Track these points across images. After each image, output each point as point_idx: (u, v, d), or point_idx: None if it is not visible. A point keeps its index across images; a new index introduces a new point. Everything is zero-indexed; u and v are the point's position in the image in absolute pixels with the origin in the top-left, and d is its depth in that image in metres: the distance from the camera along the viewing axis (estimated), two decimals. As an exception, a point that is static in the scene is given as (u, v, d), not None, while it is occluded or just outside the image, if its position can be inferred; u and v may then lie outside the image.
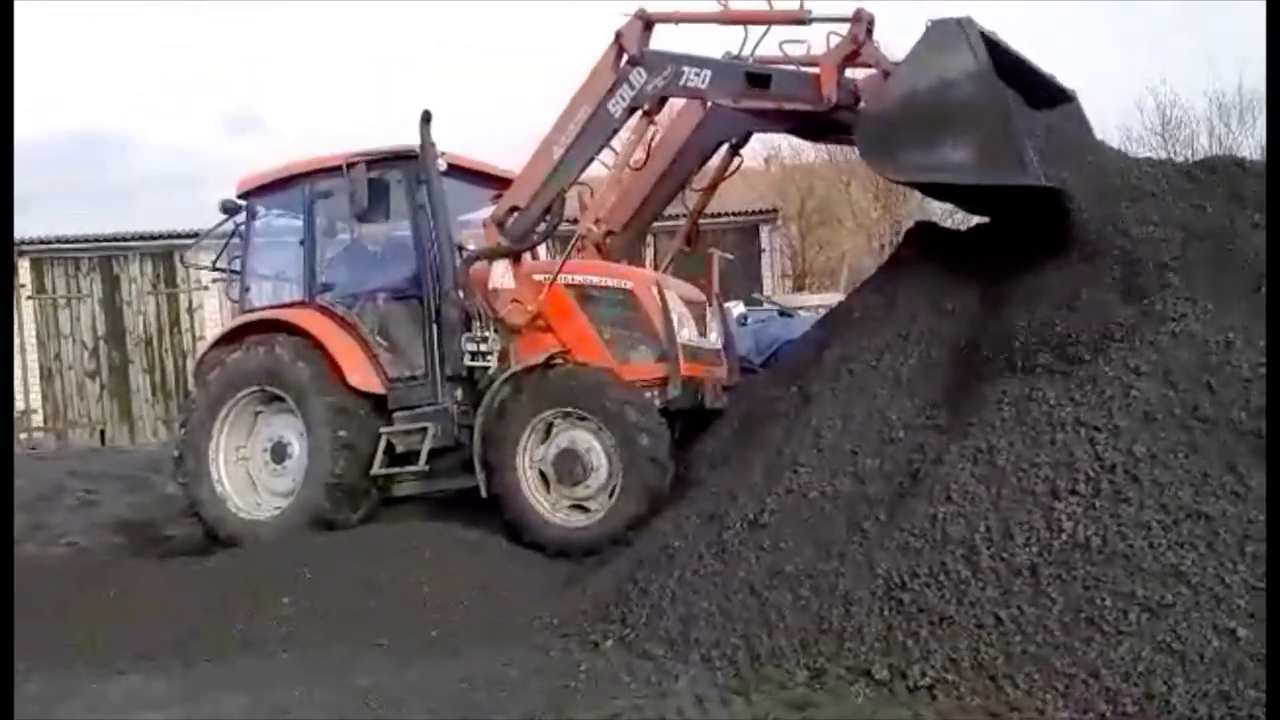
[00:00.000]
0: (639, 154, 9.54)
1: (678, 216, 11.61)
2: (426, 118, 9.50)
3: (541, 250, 10.54)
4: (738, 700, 5.64)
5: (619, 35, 9.09)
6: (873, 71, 8.49)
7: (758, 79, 8.82)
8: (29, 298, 23.67)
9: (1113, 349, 6.53)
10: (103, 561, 10.16)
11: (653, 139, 9.47)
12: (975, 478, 6.15)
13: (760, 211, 27.41)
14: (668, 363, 9.29)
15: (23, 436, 22.88)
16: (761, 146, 42.58)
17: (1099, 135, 8.87)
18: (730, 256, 21.77)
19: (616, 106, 9.13)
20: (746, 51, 9.06)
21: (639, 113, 9.30)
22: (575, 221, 10.34)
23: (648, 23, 9.08)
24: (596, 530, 8.77)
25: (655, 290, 9.47)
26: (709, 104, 10.01)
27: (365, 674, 6.68)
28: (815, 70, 8.59)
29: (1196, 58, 54.60)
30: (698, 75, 8.98)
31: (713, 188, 10.83)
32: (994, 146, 7.60)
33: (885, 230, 33.88)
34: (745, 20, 8.98)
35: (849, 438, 7.01)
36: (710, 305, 10.20)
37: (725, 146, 10.43)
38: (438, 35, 69.17)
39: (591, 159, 9.34)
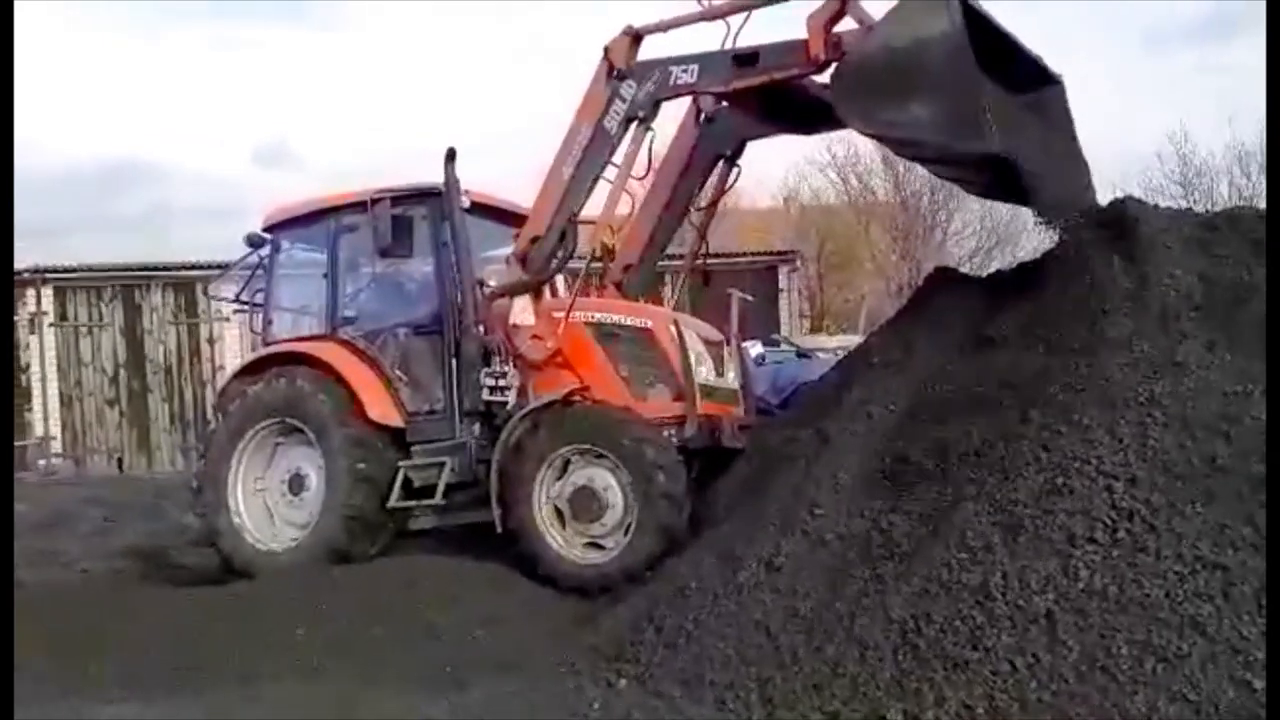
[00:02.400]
0: (641, 162, 9.60)
1: (669, 257, 11.73)
2: (451, 155, 9.62)
3: (562, 288, 10.60)
4: (750, 740, 5.63)
5: (607, 51, 9.28)
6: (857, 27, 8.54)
7: (745, 58, 8.91)
8: (51, 325, 23.82)
9: (1131, 398, 6.53)
10: (113, 589, 10.18)
11: (652, 144, 9.55)
12: (992, 524, 6.14)
13: (778, 253, 27.54)
14: (685, 401, 9.32)
15: (41, 463, 22.97)
16: (780, 188, 42.84)
17: (1118, 188, 8.93)
18: (749, 297, 21.79)
19: (612, 121, 9.30)
20: (730, 45, 9.08)
21: (636, 123, 9.36)
22: (594, 259, 10.41)
23: (636, 37, 9.27)
24: (611, 567, 8.77)
25: (673, 329, 9.52)
26: (702, 119, 10.18)
27: (375, 706, 6.67)
28: (802, 38, 8.63)
29: (1216, 108, 54.57)
30: (685, 72, 9.13)
31: (714, 204, 11.04)
32: (957, 111, 7.76)
33: (904, 273, 33.93)
34: (728, 11, 9.06)
35: (865, 481, 7.01)
36: (728, 345, 10.23)
37: (722, 161, 10.61)
38: (470, 67, 69.64)
39: (599, 176, 9.43)
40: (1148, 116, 59.79)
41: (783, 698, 5.88)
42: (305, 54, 72.12)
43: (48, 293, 23.86)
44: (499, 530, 9.12)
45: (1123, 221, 7.68)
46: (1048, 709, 5.31)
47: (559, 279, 10.51)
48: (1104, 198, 8.19)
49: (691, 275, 11.87)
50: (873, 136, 8.41)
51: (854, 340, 13.70)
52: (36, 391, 23.63)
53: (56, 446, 23.50)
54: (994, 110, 7.81)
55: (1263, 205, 12.01)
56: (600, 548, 8.98)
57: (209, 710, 6.81)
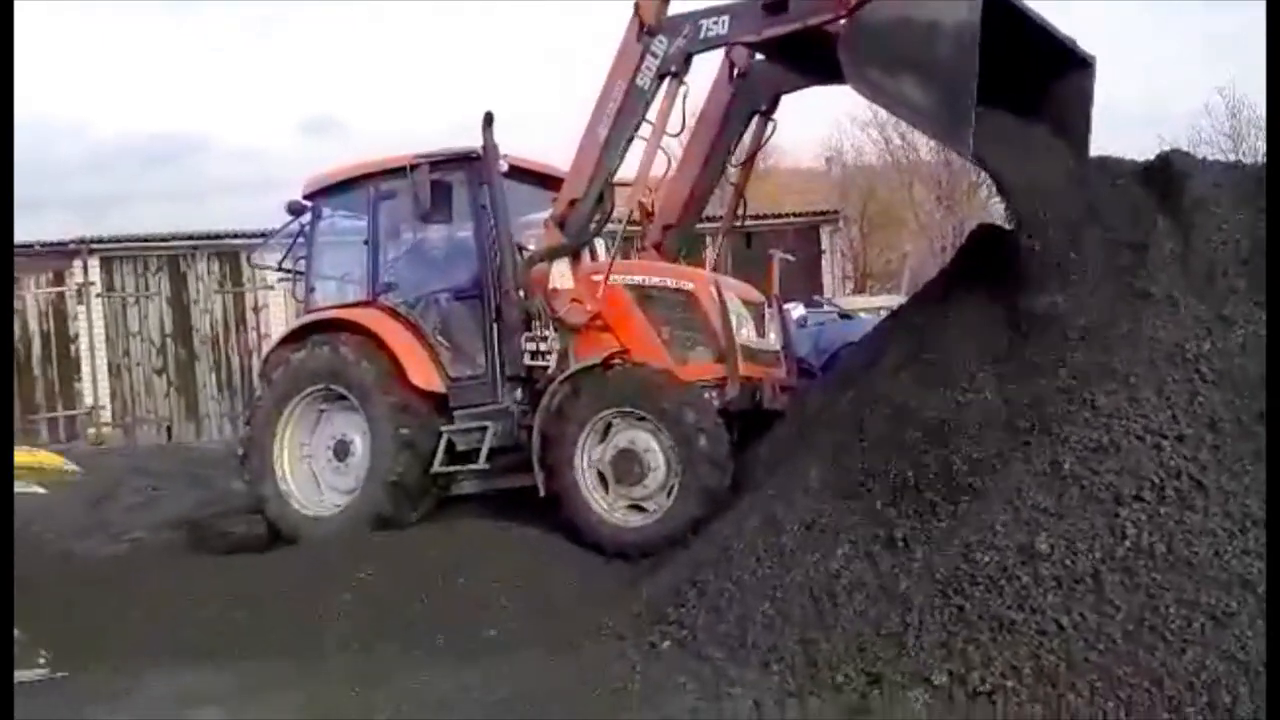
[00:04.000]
0: (675, 118, 9.52)
1: (710, 219, 11.64)
2: (489, 120, 9.60)
3: (602, 251, 10.58)
4: (794, 704, 5.62)
5: (637, 8, 9.21)
6: None
7: (776, 6, 8.74)
8: (98, 295, 24.00)
9: (1178, 355, 6.44)
10: (162, 557, 10.27)
11: (686, 99, 9.49)
12: (1038, 484, 6.08)
13: (821, 213, 27.31)
14: (726, 363, 9.29)
15: (90, 432, 23.22)
16: (822, 148, 42.56)
17: (1166, 140, 8.79)
18: (791, 258, 21.69)
19: (645, 78, 9.22)
20: None
21: (669, 79, 9.26)
22: (634, 223, 10.38)
23: None
24: (653, 530, 8.78)
25: (714, 291, 9.49)
26: (735, 74, 10.21)
27: (420, 674, 6.73)
28: None
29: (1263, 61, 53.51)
30: (716, 23, 9.04)
31: (751, 160, 11.06)
32: (946, 105, 7.68)
33: (948, 232, 33.66)
34: None
35: (910, 442, 6.96)
36: (769, 306, 10.18)
37: (757, 117, 10.55)
38: (516, 36, 69.47)
39: (634, 135, 9.37)
40: (1199, 70, 58.92)
41: (826, 660, 5.89)
42: (353, 24, 72.11)
43: (94, 264, 24.01)
44: (542, 494, 9.13)
45: (1169, 176, 7.56)
46: (1095, 669, 5.28)
47: (599, 242, 10.49)
48: (1151, 151, 8.04)
49: (730, 236, 11.81)
50: (861, 93, 8.32)
51: (897, 300, 13.58)
52: (85, 361, 23.84)
53: (106, 416, 23.73)
54: (985, 118, 7.71)
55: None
56: (642, 510, 8.99)
57: (259, 679, 6.91)
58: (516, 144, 9.94)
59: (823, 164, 42.51)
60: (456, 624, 7.54)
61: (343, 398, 10.02)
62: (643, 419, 8.94)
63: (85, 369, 23.87)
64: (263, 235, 14.26)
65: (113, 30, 74.51)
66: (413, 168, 9.76)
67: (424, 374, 9.85)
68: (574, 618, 7.39)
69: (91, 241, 23.95)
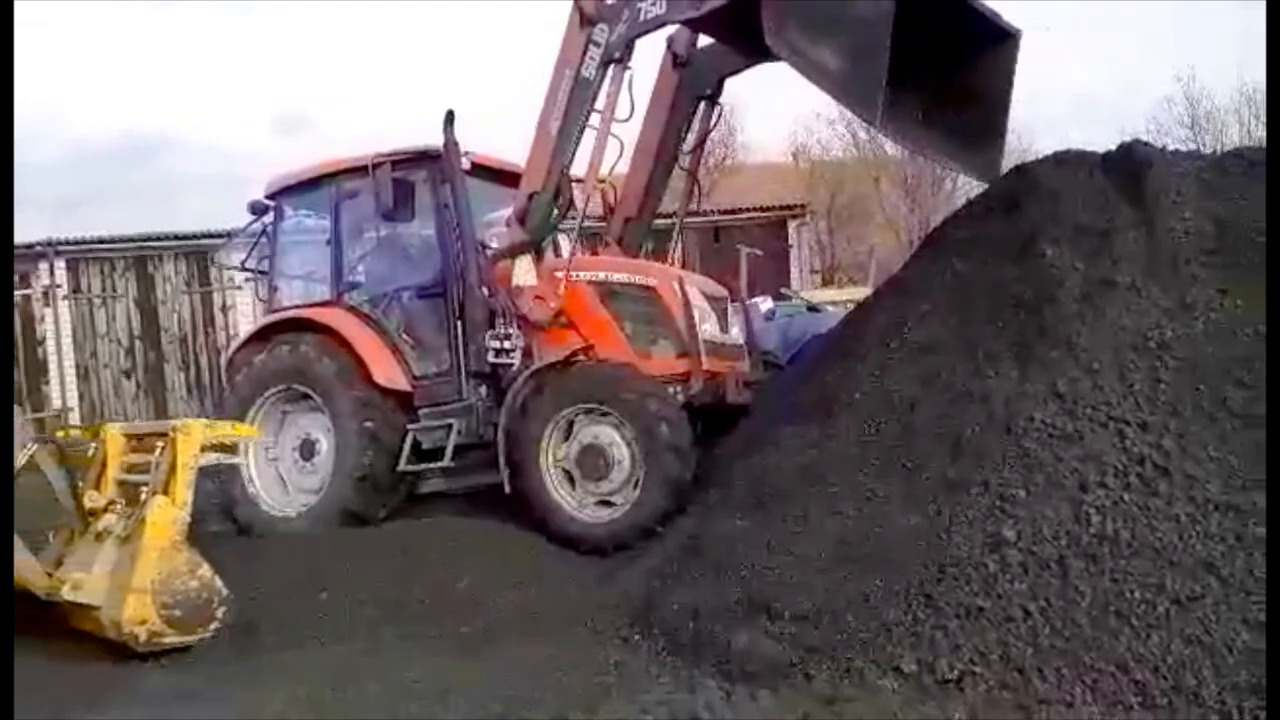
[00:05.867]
0: (623, 104, 9.58)
1: (694, 213, 11.69)
2: (449, 118, 9.65)
3: (565, 247, 10.61)
4: (766, 694, 5.65)
5: None
6: None
7: None
8: (65, 297, 23.83)
9: (1141, 342, 6.50)
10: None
11: (632, 85, 9.56)
12: (1002, 471, 6.13)
13: (788, 207, 27.34)
14: (690, 359, 9.34)
15: (59, 435, 23.04)
16: (789, 143, 42.59)
17: (1126, 132, 8.91)
18: (759, 252, 21.79)
19: (590, 67, 9.34)
20: None
21: (613, 65, 9.36)
22: (598, 219, 10.43)
23: None
24: (622, 524, 8.84)
25: (677, 286, 9.55)
26: (677, 64, 10.37)
27: (398, 668, 6.73)
28: None
29: (1226, 49, 54.06)
30: (654, 5, 9.14)
31: (701, 146, 11.17)
32: (859, 76, 7.83)
33: (914, 225, 33.76)
34: None
35: (878, 434, 7.00)
36: (732, 301, 10.23)
37: (703, 103, 10.69)
38: (489, 31, 69.28)
39: (584, 125, 9.45)
40: (1157, 59, 59.28)
41: (796, 650, 5.89)
42: (323, 21, 71.83)
43: (60, 265, 23.83)
44: (506, 490, 9.16)
45: (1131, 165, 7.62)
46: (1061, 655, 5.33)
47: (565, 239, 10.52)
48: (1112, 141, 8.11)
49: (691, 225, 11.85)
50: (779, 54, 8.40)
51: (864, 293, 13.62)
52: (53, 364, 23.66)
53: (74, 418, 23.57)
54: (895, 102, 7.88)
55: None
56: (611, 505, 9.01)
57: (254, 672, 6.95)
58: (493, 139, 9.98)
59: (790, 159, 42.58)
60: (434, 618, 7.57)
61: (307, 397, 10.02)
62: (605, 414, 8.98)
63: (53, 371, 23.71)
64: (229, 235, 14.23)
65: (81, 27, 73.98)
66: (374, 166, 9.78)
67: (388, 372, 9.87)
68: (552, 612, 7.42)
69: (58, 243, 23.76)
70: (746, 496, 7.08)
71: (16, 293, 23.56)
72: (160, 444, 7.67)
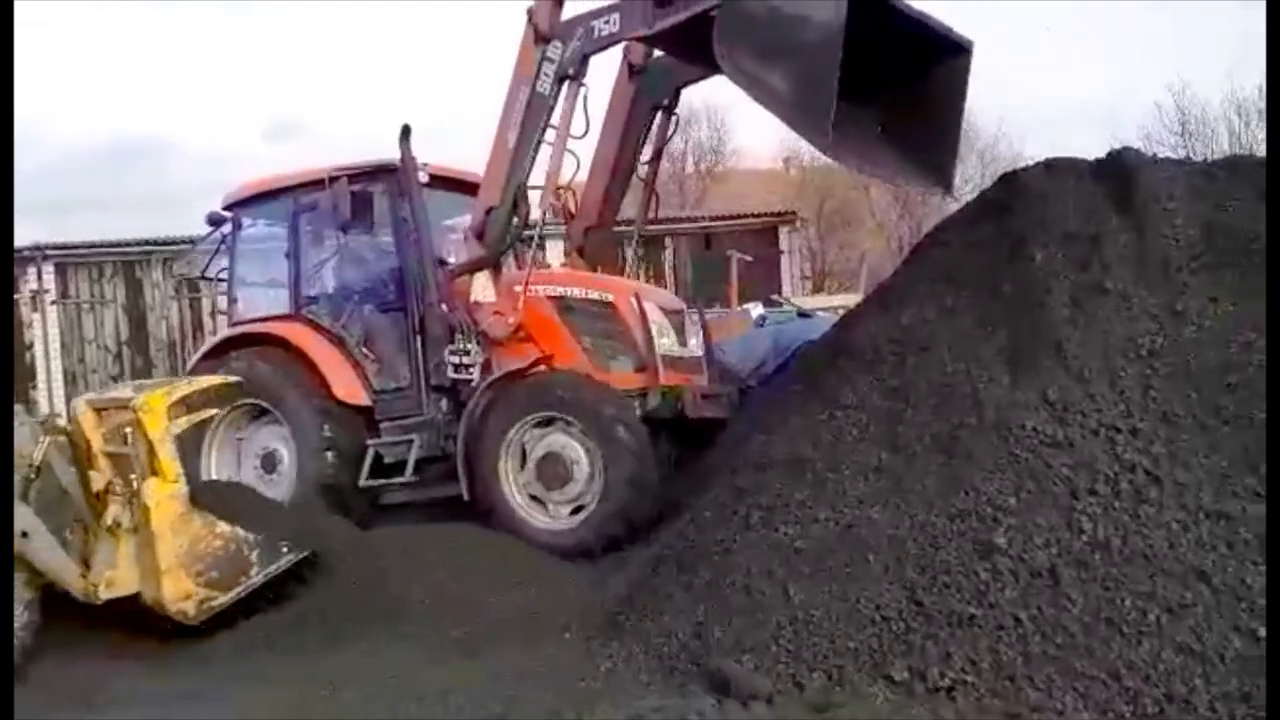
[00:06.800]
0: (579, 121, 9.65)
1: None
2: (406, 133, 9.71)
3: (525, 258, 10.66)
4: (756, 703, 5.62)
5: (530, 14, 9.35)
6: None
7: None
8: (53, 303, 23.79)
9: (1132, 349, 6.49)
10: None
11: (587, 101, 9.64)
12: (991, 480, 6.12)
13: (779, 213, 27.39)
14: (647, 373, 9.39)
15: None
16: (780, 149, 42.67)
17: (1118, 138, 8.95)
18: (749, 258, 21.79)
19: (545, 84, 9.37)
20: None
21: (568, 82, 9.41)
22: (559, 222, 10.51)
23: None
24: (585, 530, 8.91)
25: (634, 301, 9.64)
26: (633, 74, 10.35)
27: (397, 669, 6.72)
28: None
29: (1215, 58, 54.30)
30: (607, 23, 9.20)
31: (658, 156, 11.08)
32: (809, 102, 7.93)
33: (905, 232, 33.86)
34: None
35: (870, 437, 6.98)
36: (690, 313, 10.34)
37: (660, 112, 10.66)
38: (486, 38, 69.16)
39: (540, 140, 9.48)
40: (1147, 66, 59.50)
41: (787, 658, 5.87)
42: (319, 25, 71.82)
43: (49, 270, 23.82)
44: (465, 498, 9.24)
45: (1121, 172, 7.62)
46: (1052, 663, 5.32)
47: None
48: (1101, 149, 8.12)
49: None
50: (733, 79, 8.47)
51: (855, 299, 13.64)
52: (41, 369, 23.64)
53: (61, 424, 23.52)
54: (845, 121, 7.97)
55: (1262, 153, 11.92)
56: (577, 511, 9.07)
57: (254, 673, 6.96)
58: (482, 146, 9.94)
59: (780, 165, 42.65)
60: (425, 622, 7.54)
61: (267, 411, 10.02)
62: (559, 419, 9.06)
63: (41, 377, 23.66)
64: (190, 243, 14.22)
65: (75, 30, 73.90)
66: (332, 180, 9.79)
67: (348, 387, 9.92)
68: (543, 616, 7.40)
69: (46, 248, 23.73)
70: (733, 503, 7.04)
71: (5, 298, 23.54)
72: (128, 428, 7.68)
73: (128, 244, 24.45)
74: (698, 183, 43.28)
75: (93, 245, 24.37)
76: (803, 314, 16.48)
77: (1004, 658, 5.40)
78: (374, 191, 9.99)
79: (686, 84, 10.52)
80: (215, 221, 11.02)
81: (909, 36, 8.54)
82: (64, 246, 24.11)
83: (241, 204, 10.91)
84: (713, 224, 26.16)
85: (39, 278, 23.69)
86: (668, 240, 25.43)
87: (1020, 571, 5.67)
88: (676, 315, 10.11)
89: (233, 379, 8.97)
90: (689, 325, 10.21)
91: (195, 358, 11.15)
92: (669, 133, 10.99)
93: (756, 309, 16.87)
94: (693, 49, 9.30)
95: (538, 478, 9.08)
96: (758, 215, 27.16)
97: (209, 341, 11.59)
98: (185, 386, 8.21)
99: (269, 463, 10.10)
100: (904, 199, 36.63)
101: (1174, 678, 5.09)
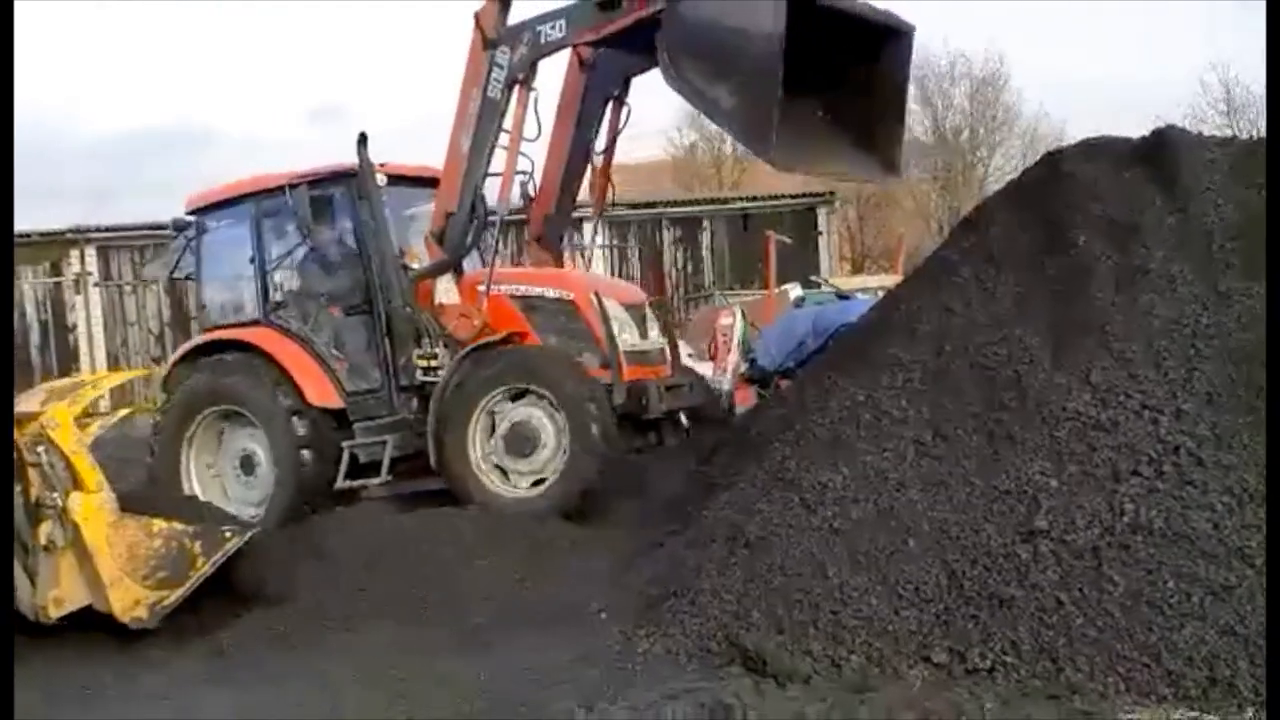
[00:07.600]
0: (531, 125, 9.74)
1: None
2: (363, 140, 9.79)
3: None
4: (794, 684, 5.62)
5: (477, 19, 9.43)
6: None
7: (608, 3, 8.98)
8: (95, 285, 24.00)
9: (1175, 330, 6.44)
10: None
11: (537, 104, 9.74)
12: (1035, 461, 6.09)
13: (817, 194, 27.27)
14: (611, 369, 9.50)
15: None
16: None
17: (1159, 117, 8.90)
18: (787, 240, 21.73)
19: (495, 89, 9.47)
20: None
21: (518, 86, 9.48)
22: (521, 209, 10.76)
23: (504, 1, 9.46)
24: (542, 503, 9.09)
25: (595, 298, 9.76)
26: (584, 66, 10.39)
27: (414, 661, 6.70)
28: None
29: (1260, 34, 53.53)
30: (554, 28, 9.30)
31: (612, 145, 11.08)
32: (752, 113, 8.08)
33: (944, 212, 33.66)
34: None
35: (910, 419, 6.95)
36: (649, 306, 10.60)
37: (611, 103, 10.68)
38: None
39: (494, 144, 9.61)
40: (1192, 45, 58.85)
41: (826, 639, 5.87)
42: (361, 12, 72.09)
43: (91, 253, 24.04)
44: (433, 466, 9.46)
45: (1163, 152, 7.55)
46: (1093, 644, 5.29)
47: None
48: (1144, 128, 8.03)
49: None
50: (676, 89, 8.54)
51: (894, 280, 13.57)
52: (84, 350, 23.88)
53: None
54: (789, 121, 8.05)
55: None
56: (538, 484, 9.29)
57: (257, 670, 6.92)
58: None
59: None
60: (452, 609, 7.50)
61: (240, 414, 10.15)
62: (540, 395, 9.23)
63: (84, 358, 23.90)
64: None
65: (118, 19, 74.34)
66: (291, 186, 9.92)
67: (319, 391, 10.03)
68: (572, 602, 7.34)
69: (88, 230, 23.95)
70: (771, 484, 7.03)
71: (49, 280, 23.75)
72: (40, 444, 7.45)
73: (166, 226, 24.59)
74: (735, 165, 43.15)
75: (135, 227, 24.55)
76: (841, 295, 16.44)
77: (1045, 639, 5.38)
78: (334, 195, 10.18)
79: (636, 74, 10.50)
80: (179, 227, 11.22)
81: (847, 30, 8.63)
82: (106, 229, 24.30)
83: (203, 210, 11.02)
84: (750, 204, 26.14)
85: (81, 260, 23.91)
86: (705, 221, 25.46)
87: (1062, 553, 5.64)
88: (636, 309, 10.37)
89: (137, 371, 9.11)
90: (649, 318, 10.48)
91: (169, 363, 11.30)
92: (621, 123, 10.90)
93: (795, 290, 16.84)
94: (637, 50, 9.39)
95: (505, 448, 9.26)
96: (796, 196, 27.06)
97: (181, 348, 11.63)
98: (89, 390, 8.02)
99: (247, 465, 10.27)
100: (942, 180, 36.44)
101: (1217, 660, 5.05)
